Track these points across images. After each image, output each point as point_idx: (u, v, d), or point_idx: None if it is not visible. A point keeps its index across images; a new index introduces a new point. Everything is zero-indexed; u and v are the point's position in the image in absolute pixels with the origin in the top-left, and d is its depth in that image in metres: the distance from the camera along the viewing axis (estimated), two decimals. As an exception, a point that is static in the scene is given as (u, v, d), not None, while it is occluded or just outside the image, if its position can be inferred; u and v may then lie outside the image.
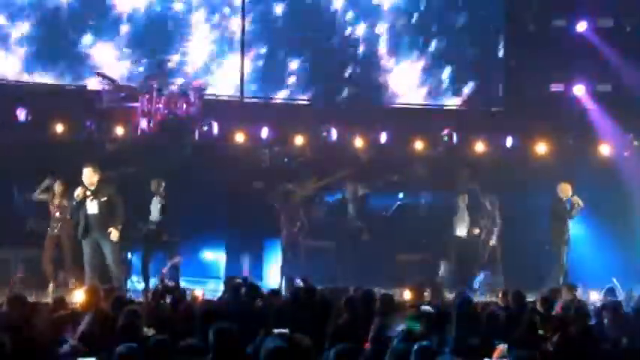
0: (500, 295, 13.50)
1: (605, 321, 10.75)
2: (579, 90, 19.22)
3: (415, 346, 7.56)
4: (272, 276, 17.22)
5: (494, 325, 9.87)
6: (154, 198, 15.99)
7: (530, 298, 12.85)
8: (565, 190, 16.82)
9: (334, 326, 9.11)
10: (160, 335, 8.31)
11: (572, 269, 16.61)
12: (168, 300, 11.49)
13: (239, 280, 12.36)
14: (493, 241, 17.47)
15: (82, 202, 14.55)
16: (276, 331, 8.58)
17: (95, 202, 14.56)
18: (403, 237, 18.05)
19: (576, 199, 16.71)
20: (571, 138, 18.70)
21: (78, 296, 11.61)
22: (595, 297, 13.46)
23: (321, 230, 17.94)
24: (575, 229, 17.85)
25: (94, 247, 14.62)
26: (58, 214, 15.68)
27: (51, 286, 15.33)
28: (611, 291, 12.87)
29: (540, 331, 10.00)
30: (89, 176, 14.61)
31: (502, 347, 8.80)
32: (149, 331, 9.11)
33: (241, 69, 19.39)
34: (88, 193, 14.57)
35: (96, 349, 8.29)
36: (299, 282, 13.59)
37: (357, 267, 16.64)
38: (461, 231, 17.68)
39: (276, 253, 17.49)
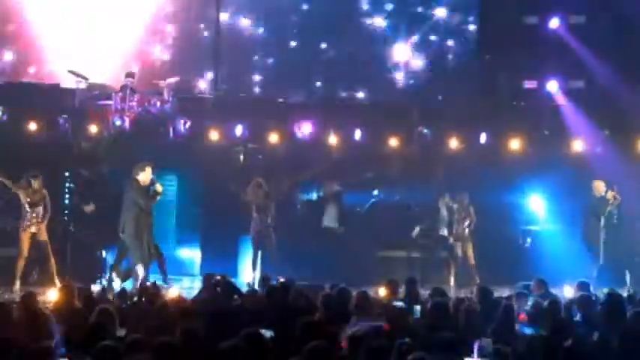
0: (474, 291, 13.55)
1: (578, 316, 10.81)
2: (552, 86, 19.30)
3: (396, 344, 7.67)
4: (247, 273, 17.22)
5: (472, 320, 9.95)
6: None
7: (505, 293, 12.95)
8: (598, 187, 16.84)
9: (308, 323, 9.13)
10: (134, 335, 8.29)
11: (546, 264, 16.65)
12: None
13: (217, 278, 12.31)
14: (466, 238, 17.52)
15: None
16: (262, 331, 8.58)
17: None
18: (379, 234, 18.12)
19: (612, 194, 16.72)
20: (544, 134, 18.78)
21: (52, 295, 11.60)
22: (569, 292, 13.51)
23: (299, 228, 18.02)
24: (547, 224, 18.08)
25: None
26: (34, 210, 15.63)
27: (17, 284, 15.32)
28: (583, 285, 12.91)
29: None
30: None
31: (484, 342, 8.86)
32: (121, 331, 9.09)
33: (215, 66, 19.37)
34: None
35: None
36: (278, 280, 13.55)
37: (334, 264, 16.67)
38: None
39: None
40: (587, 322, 10.44)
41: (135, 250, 15.32)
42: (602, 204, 16.94)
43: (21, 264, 15.55)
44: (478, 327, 9.81)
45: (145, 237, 15.43)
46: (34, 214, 15.62)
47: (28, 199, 15.60)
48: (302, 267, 16.65)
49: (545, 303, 10.89)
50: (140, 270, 15.16)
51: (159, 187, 15.49)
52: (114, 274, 15.83)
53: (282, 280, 12.88)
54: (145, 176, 15.45)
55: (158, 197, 15.62)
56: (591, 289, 12.87)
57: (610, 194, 16.75)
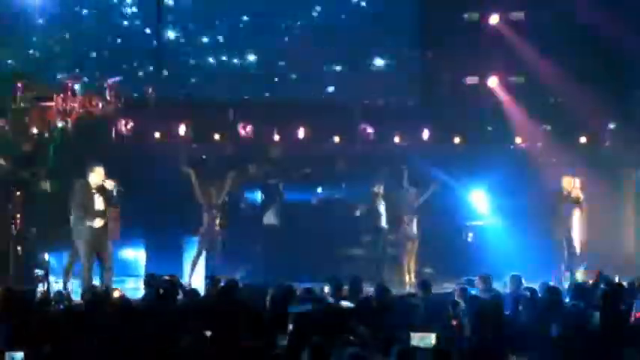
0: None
1: (520, 308, 10.89)
2: (493, 82, 19.46)
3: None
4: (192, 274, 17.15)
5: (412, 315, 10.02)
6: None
7: (448, 288, 13.04)
8: (567, 183, 16.83)
9: (254, 323, 9.17)
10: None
11: (488, 259, 16.78)
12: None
13: (164, 278, 12.24)
14: (414, 231, 17.58)
15: None
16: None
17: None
18: (325, 232, 18.17)
19: (575, 190, 16.77)
20: (486, 129, 18.95)
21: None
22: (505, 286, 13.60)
23: (243, 227, 18.01)
24: (490, 219, 18.26)
25: None
26: None
27: None
28: (516, 279, 13.02)
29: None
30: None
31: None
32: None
33: (157, 65, 19.28)
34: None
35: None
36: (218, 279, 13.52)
37: (281, 263, 16.68)
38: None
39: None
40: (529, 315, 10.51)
41: None
42: (568, 199, 16.89)
43: None
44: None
45: None
46: None
47: None
48: (248, 266, 16.67)
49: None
50: None
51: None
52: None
53: (223, 280, 12.81)
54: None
55: None
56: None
57: (576, 190, 16.77)
